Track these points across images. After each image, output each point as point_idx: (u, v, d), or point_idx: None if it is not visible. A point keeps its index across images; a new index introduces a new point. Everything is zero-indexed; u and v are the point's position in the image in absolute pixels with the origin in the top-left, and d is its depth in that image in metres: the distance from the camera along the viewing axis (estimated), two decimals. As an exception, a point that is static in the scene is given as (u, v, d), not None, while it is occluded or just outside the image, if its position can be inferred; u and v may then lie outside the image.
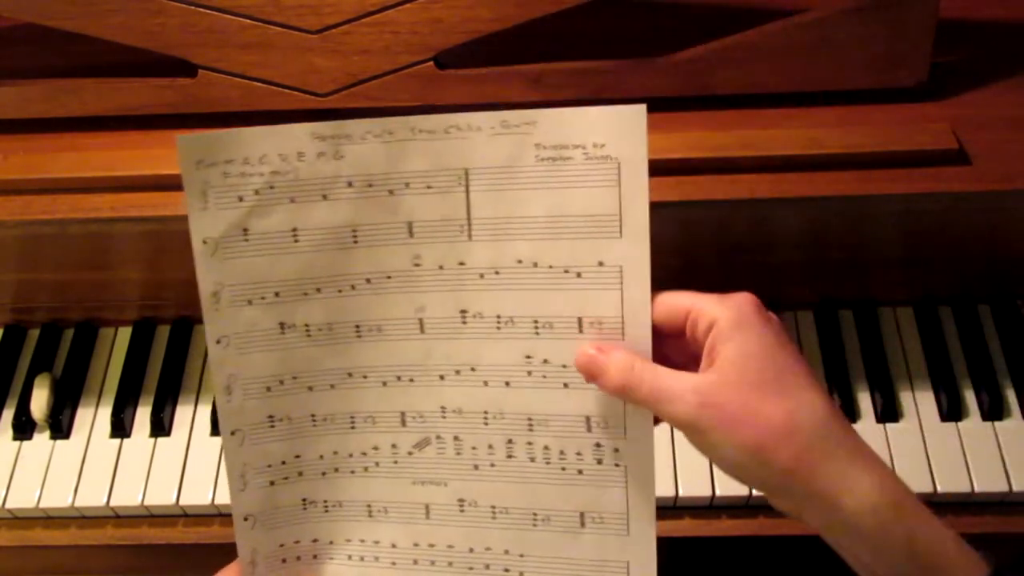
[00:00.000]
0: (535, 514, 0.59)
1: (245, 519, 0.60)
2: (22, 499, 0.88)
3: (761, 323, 0.53)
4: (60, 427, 0.91)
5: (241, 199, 0.55)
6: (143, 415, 0.92)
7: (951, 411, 0.87)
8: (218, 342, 0.57)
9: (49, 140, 0.87)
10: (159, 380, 0.93)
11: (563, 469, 0.58)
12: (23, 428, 0.92)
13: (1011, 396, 0.87)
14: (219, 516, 0.88)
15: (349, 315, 0.57)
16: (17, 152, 0.86)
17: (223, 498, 0.87)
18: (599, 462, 0.58)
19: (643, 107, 0.53)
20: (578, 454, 0.58)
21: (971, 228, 0.86)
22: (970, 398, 0.88)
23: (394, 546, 0.61)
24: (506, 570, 0.60)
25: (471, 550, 0.60)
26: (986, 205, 0.82)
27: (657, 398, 0.53)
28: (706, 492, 0.83)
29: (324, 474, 0.60)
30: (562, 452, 0.58)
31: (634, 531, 0.58)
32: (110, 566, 0.95)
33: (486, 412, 0.58)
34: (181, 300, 0.95)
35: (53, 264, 0.91)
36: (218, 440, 0.90)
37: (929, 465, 0.84)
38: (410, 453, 0.59)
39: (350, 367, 0.58)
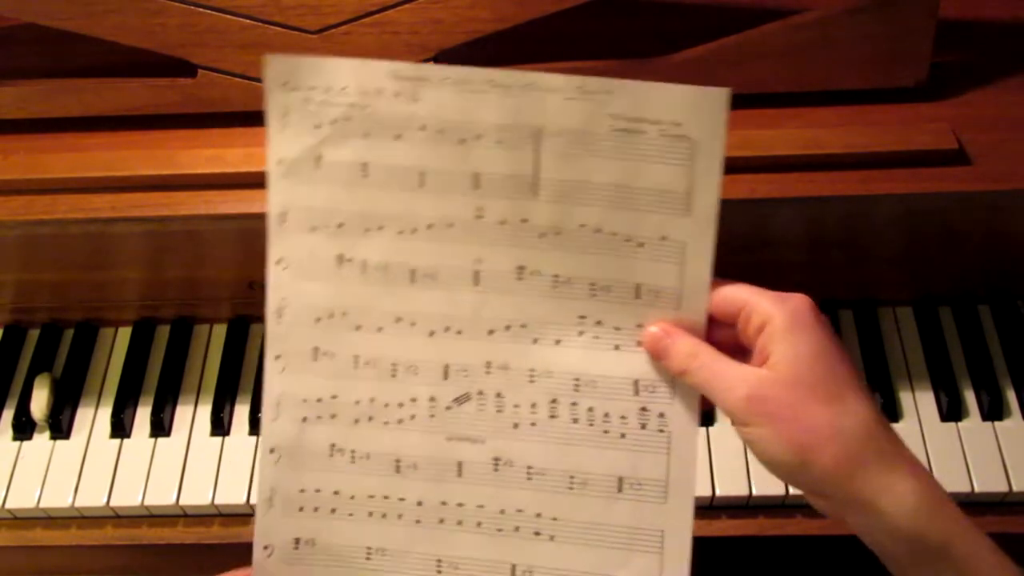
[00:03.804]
0: (572, 477, 0.58)
1: (271, 451, 0.59)
2: (22, 499, 0.88)
3: (815, 326, 0.53)
4: (60, 427, 0.91)
5: (318, 126, 0.56)
6: (143, 415, 0.92)
7: (951, 411, 0.87)
8: (278, 263, 0.58)
9: (49, 140, 0.87)
10: (159, 380, 0.93)
11: (605, 432, 0.57)
12: (23, 428, 0.92)
13: (1011, 396, 0.87)
14: (219, 516, 0.88)
15: (406, 258, 0.57)
16: (17, 152, 0.86)
17: (223, 498, 0.86)
18: (643, 427, 0.57)
19: (727, 91, 0.53)
20: (623, 417, 0.57)
21: (971, 228, 0.86)
22: (970, 398, 0.88)
23: (420, 504, 0.59)
24: (536, 533, 0.59)
25: (502, 511, 0.59)
26: (986, 205, 0.82)
27: (711, 385, 0.54)
28: (706, 492, 0.83)
29: (357, 421, 0.59)
30: (606, 415, 0.57)
31: (672, 499, 0.57)
32: (110, 566, 0.95)
33: (532, 370, 0.58)
34: (181, 300, 0.95)
35: (53, 264, 0.91)
36: (218, 440, 0.90)
37: (929, 465, 0.84)
38: (448, 408, 0.59)
39: (400, 312, 0.58)
